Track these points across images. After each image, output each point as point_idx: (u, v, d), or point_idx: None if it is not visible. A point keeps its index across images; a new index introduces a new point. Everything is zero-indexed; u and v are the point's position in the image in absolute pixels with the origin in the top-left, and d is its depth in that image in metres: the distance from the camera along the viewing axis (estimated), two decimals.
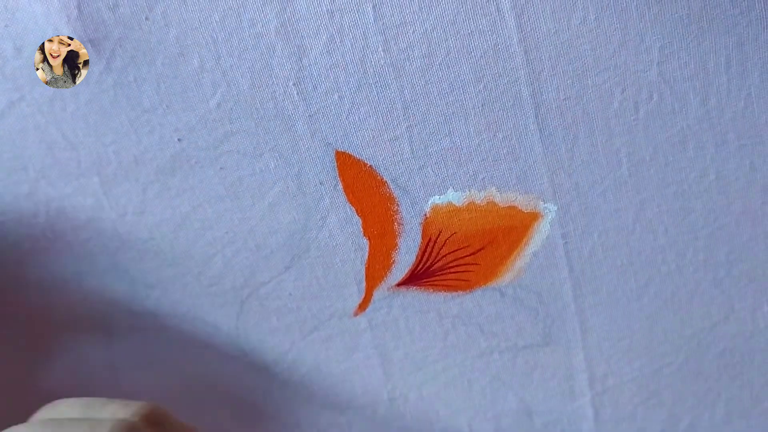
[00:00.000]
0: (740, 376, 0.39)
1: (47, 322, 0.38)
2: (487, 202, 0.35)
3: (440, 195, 0.35)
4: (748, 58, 0.31)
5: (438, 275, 0.37)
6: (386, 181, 0.35)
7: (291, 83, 0.32)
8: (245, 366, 0.40)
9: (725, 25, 0.31)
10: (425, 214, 0.36)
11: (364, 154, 0.34)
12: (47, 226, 0.35)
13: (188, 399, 0.41)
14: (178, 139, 0.33)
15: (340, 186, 0.35)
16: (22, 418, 0.41)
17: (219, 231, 0.36)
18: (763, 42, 0.31)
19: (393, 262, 0.37)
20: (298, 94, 0.33)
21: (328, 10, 0.31)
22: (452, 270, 0.37)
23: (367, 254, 0.37)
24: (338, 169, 0.34)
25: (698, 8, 0.30)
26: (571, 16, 0.31)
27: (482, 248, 0.37)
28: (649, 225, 0.35)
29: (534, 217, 0.36)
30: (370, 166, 0.34)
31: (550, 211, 0.35)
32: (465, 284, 0.38)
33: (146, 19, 0.31)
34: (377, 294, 0.38)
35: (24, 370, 0.39)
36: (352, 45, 0.32)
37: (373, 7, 0.31)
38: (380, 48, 0.32)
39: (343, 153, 0.34)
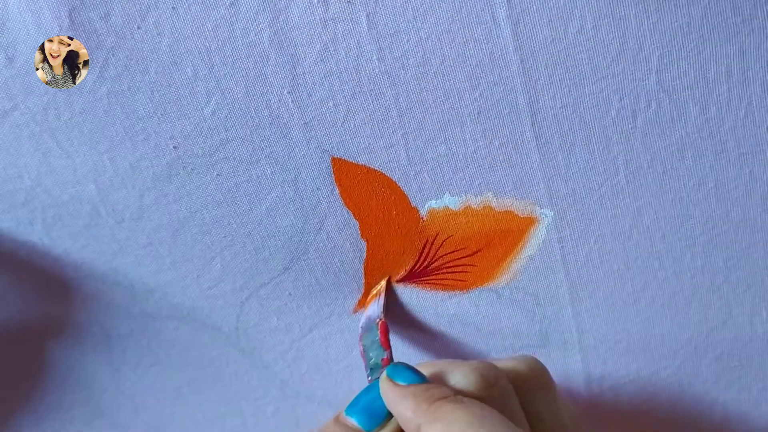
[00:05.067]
0: (738, 381, 0.39)
1: (47, 328, 0.38)
2: (484, 207, 0.35)
3: (437, 199, 0.35)
4: (750, 67, 0.31)
5: (435, 274, 0.38)
6: (387, 176, 0.35)
7: (285, 91, 0.32)
8: (246, 366, 0.40)
9: (726, 34, 0.30)
10: (422, 218, 0.36)
11: (360, 160, 0.34)
12: (44, 234, 0.35)
13: (188, 400, 0.41)
14: (174, 147, 0.33)
15: (337, 191, 0.35)
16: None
17: (217, 235, 0.36)
18: (765, 51, 0.30)
19: (392, 261, 0.37)
20: (292, 102, 0.32)
21: (321, 19, 0.31)
22: (449, 270, 0.37)
23: (365, 254, 0.37)
24: (334, 174, 0.34)
25: (699, 17, 0.30)
26: (567, 25, 0.30)
27: (479, 250, 0.37)
28: (647, 231, 0.35)
29: (530, 221, 0.35)
30: (368, 167, 0.34)
31: (547, 216, 0.35)
32: (462, 284, 0.38)
33: (138, 28, 0.31)
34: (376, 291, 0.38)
35: (24, 375, 0.40)
36: (346, 54, 0.31)
37: (367, 16, 0.30)
38: (374, 57, 0.31)
39: (339, 159, 0.34)
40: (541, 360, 0.39)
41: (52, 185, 0.34)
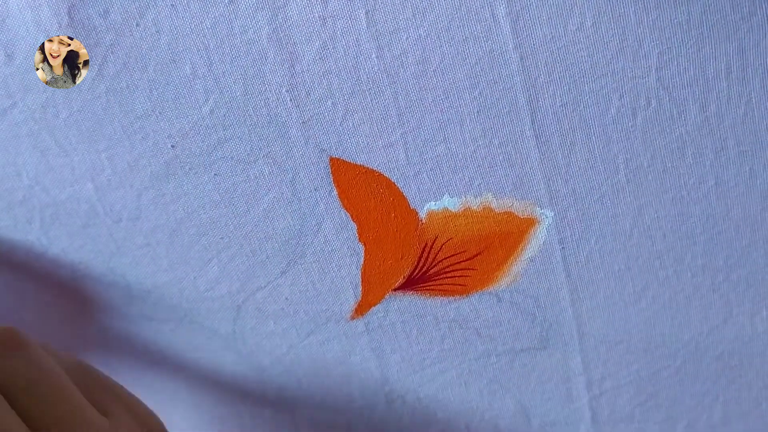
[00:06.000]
0: (738, 379, 0.39)
1: (43, 328, 0.38)
2: (483, 208, 0.35)
3: (436, 201, 0.35)
4: (749, 65, 0.31)
5: (434, 280, 0.37)
6: (386, 177, 0.34)
7: (284, 90, 0.32)
8: (242, 369, 0.40)
9: (726, 31, 0.30)
10: (421, 220, 0.35)
11: (359, 160, 0.34)
12: (42, 233, 0.35)
13: (186, 403, 0.41)
14: (172, 146, 0.33)
15: (335, 192, 0.35)
16: None
17: (214, 236, 0.36)
18: (765, 48, 0.30)
19: (389, 267, 0.37)
20: (291, 100, 0.32)
21: (320, 16, 0.31)
22: (449, 275, 0.37)
23: (363, 259, 0.37)
24: (333, 175, 0.34)
25: (698, 14, 0.30)
26: (567, 22, 0.30)
27: (478, 253, 0.36)
28: (647, 230, 0.35)
29: (530, 222, 0.35)
30: (366, 167, 0.34)
31: (547, 217, 0.35)
32: (462, 289, 0.37)
33: (137, 25, 0.31)
34: (374, 298, 0.38)
35: None
36: (345, 51, 0.31)
37: (366, 13, 0.30)
38: (373, 54, 0.31)
39: (338, 159, 0.34)
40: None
41: (50, 184, 0.34)
